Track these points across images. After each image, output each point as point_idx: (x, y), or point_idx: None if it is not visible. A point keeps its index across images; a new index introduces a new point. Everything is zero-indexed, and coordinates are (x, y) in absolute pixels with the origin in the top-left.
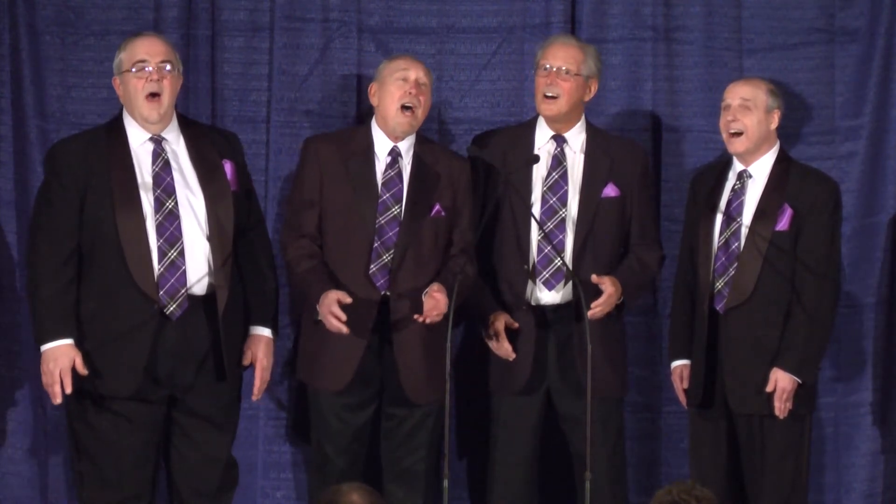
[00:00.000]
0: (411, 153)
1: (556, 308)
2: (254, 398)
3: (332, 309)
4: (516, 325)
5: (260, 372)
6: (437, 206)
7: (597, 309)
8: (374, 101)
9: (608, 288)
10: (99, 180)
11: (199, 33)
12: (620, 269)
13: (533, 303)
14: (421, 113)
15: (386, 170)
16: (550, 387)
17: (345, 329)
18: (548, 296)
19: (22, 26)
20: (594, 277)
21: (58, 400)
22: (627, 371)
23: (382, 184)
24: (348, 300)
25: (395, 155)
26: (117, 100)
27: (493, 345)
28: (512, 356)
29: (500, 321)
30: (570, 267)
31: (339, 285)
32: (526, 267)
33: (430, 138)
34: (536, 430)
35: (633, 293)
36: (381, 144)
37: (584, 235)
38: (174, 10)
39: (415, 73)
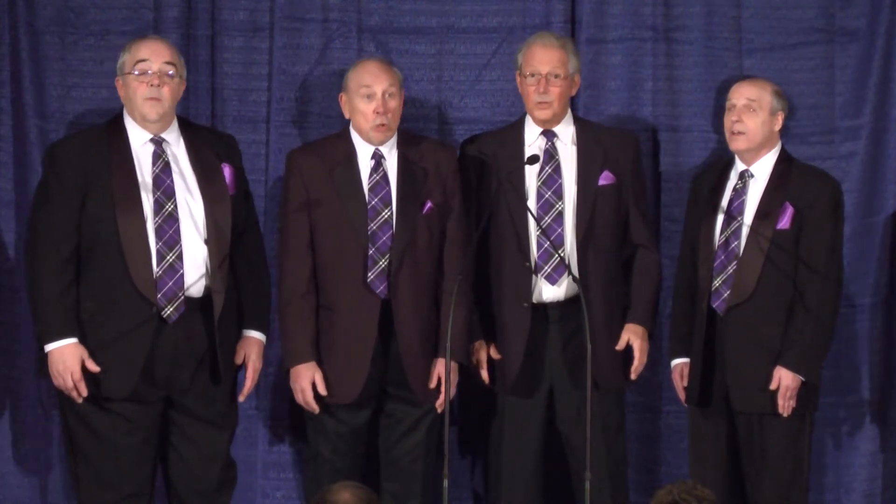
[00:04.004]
0: (395, 153)
1: (558, 305)
2: (241, 399)
3: (307, 399)
4: (499, 356)
5: (251, 374)
6: (429, 203)
7: (637, 369)
8: (346, 111)
9: (635, 342)
10: (99, 180)
11: (199, 33)
12: (634, 312)
13: (535, 300)
14: (393, 122)
15: (371, 174)
16: (554, 385)
17: (316, 410)
18: (550, 291)
19: (22, 26)
20: (621, 344)
21: (80, 400)
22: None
23: (369, 188)
24: (322, 389)
25: (377, 158)
26: (117, 100)
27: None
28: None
29: (484, 352)
30: (573, 259)
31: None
32: (528, 264)
33: (412, 131)
34: (542, 430)
35: (654, 319)
36: (363, 150)
37: (584, 227)
38: (174, 10)
39: (379, 86)
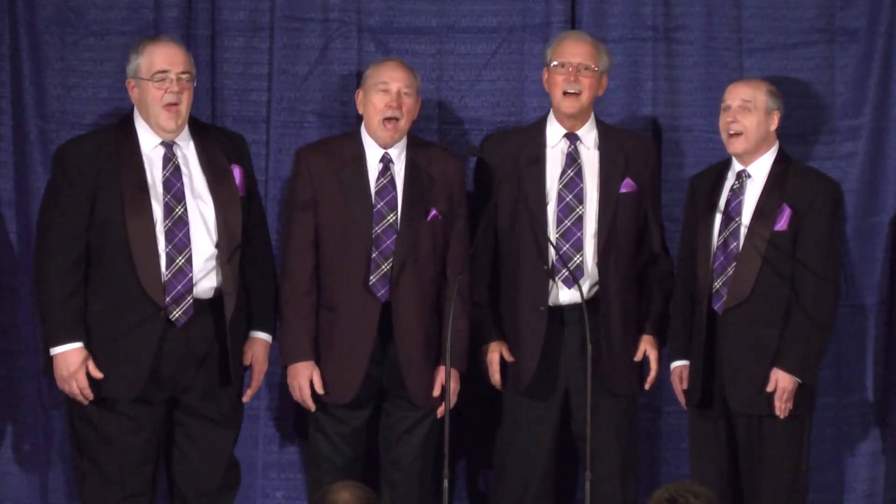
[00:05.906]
0: (403, 158)
1: (574, 308)
2: (245, 400)
3: (304, 396)
4: (512, 358)
5: (257, 375)
6: (434, 211)
7: (652, 380)
8: (360, 108)
9: (652, 354)
10: (109, 182)
11: (199, 33)
12: (651, 323)
13: (551, 303)
14: (404, 122)
15: (378, 178)
16: (569, 388)
17: (312, 408)
18: (566, 294)
19: (22, 26)
20: (639, 356)
21: (86, 403)
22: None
23: (375, 192)
24: (319, 387)
25: (386, 162)
26: (117, 100)
27: (489, 370)
28: (499, 387)
29: (496, 353)
30: (593, 264)
31: (317, 346)
32: (546, 267)
33: (424, 138)
34: (555, 432)
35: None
36: (372, 152)
37: (605, 233)
38: (174, 10)
39: (396, 84)
